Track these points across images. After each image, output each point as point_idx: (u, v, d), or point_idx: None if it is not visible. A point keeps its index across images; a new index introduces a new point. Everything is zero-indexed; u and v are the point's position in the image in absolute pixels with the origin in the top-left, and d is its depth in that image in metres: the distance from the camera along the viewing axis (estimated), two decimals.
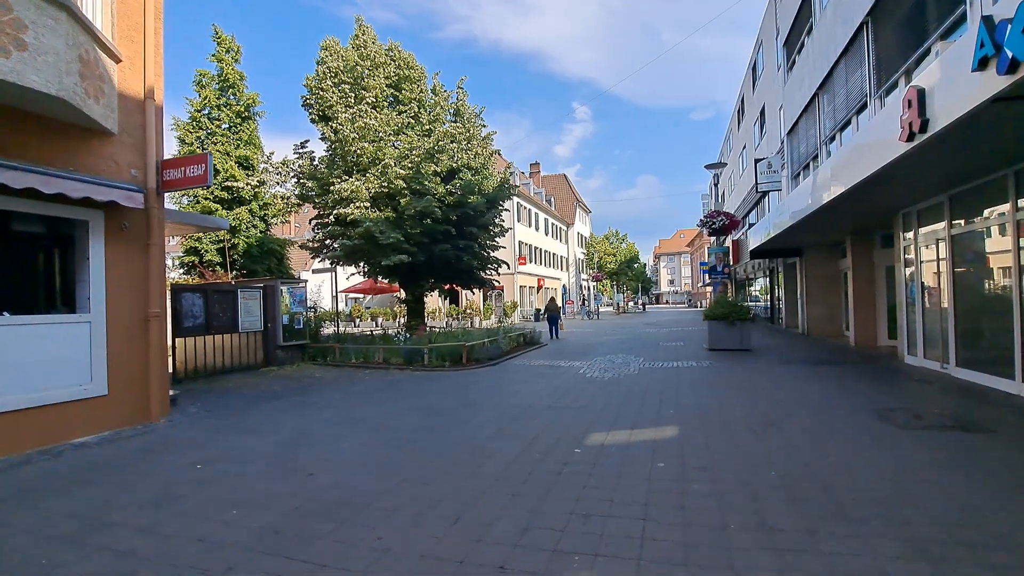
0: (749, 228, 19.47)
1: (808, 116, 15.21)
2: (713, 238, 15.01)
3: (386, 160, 13.32)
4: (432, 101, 16.61)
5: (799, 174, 16.82)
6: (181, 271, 23.45)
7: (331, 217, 14.17)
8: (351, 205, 13.35)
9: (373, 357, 12.37)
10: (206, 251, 21.63)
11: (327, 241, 14.74)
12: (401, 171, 13.52)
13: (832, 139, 13.41)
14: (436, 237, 15.08)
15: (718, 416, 6.17)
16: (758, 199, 20.81)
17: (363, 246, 13.46)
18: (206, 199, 22.02)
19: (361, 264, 14.81)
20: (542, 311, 31.56)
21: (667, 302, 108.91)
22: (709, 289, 67.58)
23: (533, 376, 10.34)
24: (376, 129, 13.83)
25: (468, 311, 31.23)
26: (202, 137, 23.43)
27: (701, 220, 14.42)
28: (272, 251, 23.77)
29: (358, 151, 13.59)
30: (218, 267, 22.47)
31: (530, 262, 39.39)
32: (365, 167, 13.97)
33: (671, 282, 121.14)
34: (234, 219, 21.37)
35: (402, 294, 33.74)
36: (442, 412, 7.00)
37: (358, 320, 34.28)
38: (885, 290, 13.60)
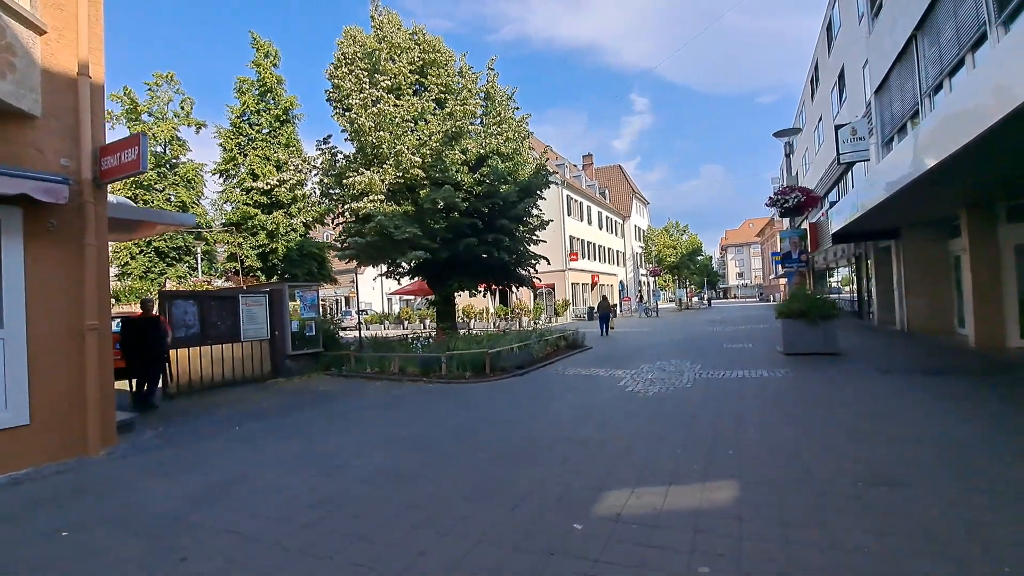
0: (830, 208, 16.65)
1: (903, 66, 12.45)
2: (786, 221, 12.62)
3: (399, 147, 12.05)
4: (459, 85, 15.21)
5: (892, 139, 13.97)
6: (224, 279, 23.69)
7: (347, 213, 13.13)
8: (365, 199, 12.21)
9: (388, 367, 11.14)
10: (247, 256, 21.55)
11: (348, 239, 13.72)
12: (417, 159, 12.21)
13: (938, 87, 10.73)
14: (462, 231, 13.68)
15: (799, 465, 4.26)
16: (840, 173, 17.83)
17: (377, 243, 12.29)
18: (245, 204, 21.97)
19: (382, 263, 13.64)
20: (595, 309, 29.86)
21: (735, 296, 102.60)
22: (783, 281, 62.43)
23: (561, 390, 8.66)
24: (392, 116, 12.61)
25: (516, 311, 29.79)
26: (242, 143, 23.50)
27: (770, 199, 12.09)
28: (312, 255, 23.45)
29: (376, 141, 12.44)
30: (259, 272, 22.38)
31: (582, 258, 37.37)
32: (384, 158, 12.80)
33: (740, 275, 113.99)
34: (272, 223, 21.10)
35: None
36: (425, 446, 5.51)
37: (406, 322, 33.77)
38: (1016, 276, 10.75)
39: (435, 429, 6.27)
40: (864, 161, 14.62)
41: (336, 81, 13.82)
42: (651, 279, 44.92)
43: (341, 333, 14.28)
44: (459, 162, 13.65)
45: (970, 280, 11.34)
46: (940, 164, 7.32)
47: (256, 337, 10.72)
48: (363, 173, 12.32)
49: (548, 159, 16.43)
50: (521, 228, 15.93)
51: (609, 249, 45.00)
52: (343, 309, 42.26)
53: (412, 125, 13.26)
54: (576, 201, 36.89)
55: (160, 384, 8.87)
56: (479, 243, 13.80)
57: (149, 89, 27.65)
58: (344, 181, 12.51)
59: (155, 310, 8.81)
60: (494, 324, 29.88)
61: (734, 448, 4.82)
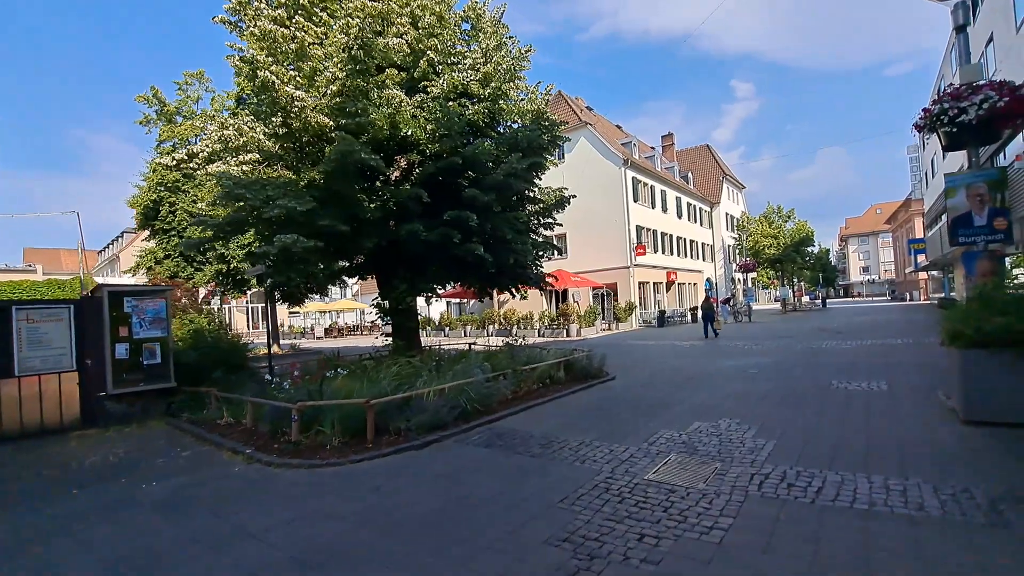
0: None
1: None
2: (962, 156, 6.64)
3: (265, 75, 7.86)
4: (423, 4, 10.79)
5: None
6: (211, 285, 21.40)
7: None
8: (232, 160, 8.24)
9: (243, 415, 7.02)
10: (233, 257, 18.90)
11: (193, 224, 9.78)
12: (301, 95, 7.98)
13: None
14: (407, 210, 9.35)
15: None
16: None
17: (237, 223, 8.27)
18: None
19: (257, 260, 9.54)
20: (699, 309, 24.84)
21: (858, 294, 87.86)
22: (923, 275, 51.04)
23: (409, 523, 3.90)
24: (288, 39, 8.51)
25: (564, 317, 24.71)
26: None
27: (925, 112, 6.29)
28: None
29: (269, 80, 8.42)
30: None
31: (655, 251, 31.26)
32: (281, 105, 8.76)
33: (864, 269, 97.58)
34: None
35: (499, 297, 28.69)
36: None
37: (447, 329, 30.02)
38: None
39: None
40: None
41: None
42: (744, 275, 37.26)
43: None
44: (400, 106, 9.27)
45: None
46: None
47: (49, 368, 7.12)
48: (230, 125, 8.37)
49: (549, 98, 11.39)
50: (516, 205, 11.17)
51: (691, 241, 38.08)
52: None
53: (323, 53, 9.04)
54: (644, 184, 30.86)
55: None
56: (432, 226, 9.31)
57: (179, 88, 26.70)
58: (207, 136, 8.68)
59: None
60: (539, 332, 25.12)
61: None
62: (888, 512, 3.52)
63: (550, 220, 13.25)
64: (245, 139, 8.35)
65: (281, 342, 22.75)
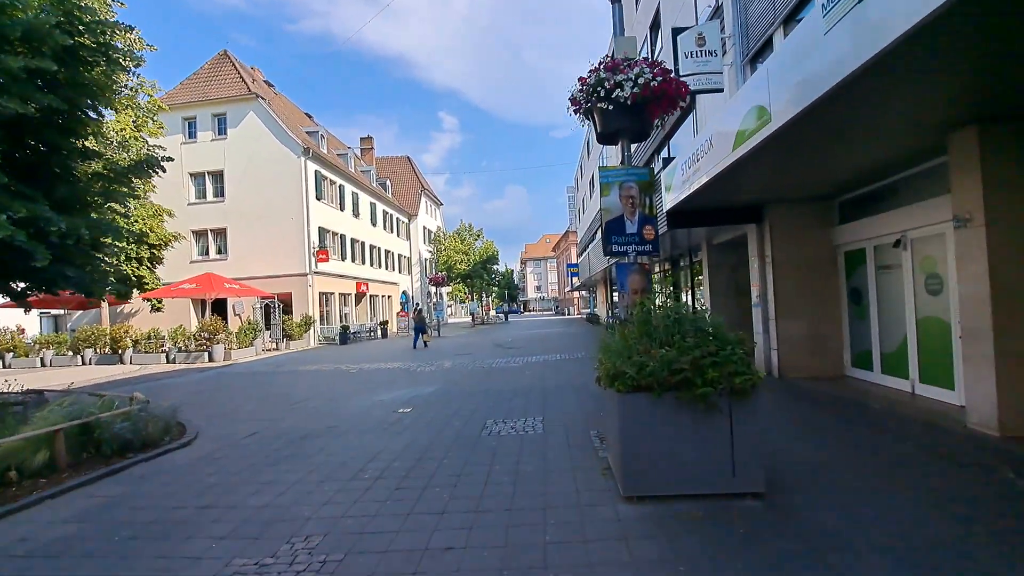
0: (661, 169, 10.78)
1: None
2: (615, 152, 5.54)
3: None
4: None
5: (762, 50, 8.32)
6: None
7: None
8: None
9: None
10: None
11: None
12: None
13: None
14: None
15: None
16: (676, 118, 12.19)
17: None
18: None
19: None
20: (412, 322, 22.59)
21: (533, 309, 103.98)
22: (577, 295, 62.03)
23: None
24: None
25: (206, 333, 18.80)
26: None
27: (582, 81, 4.98)
28: None
29: None
30: None
31: (342, 258, 27.95)
32: None
33: (538, 288, 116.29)
34: None
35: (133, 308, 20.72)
36: None
37: (9, 356, 19.78)
38: None
39: None
40: (715, 91, 8.75)
41: None
42: (437, 289, 37.57)
43: None
44: None
45: (972, 281, 5.68)
46: None
47: None
48: None
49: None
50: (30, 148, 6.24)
51: (387, 252, 36.32)
52: None
53: None
54: (332, 183, 27.34)
55: None
56: None
57: None
58: None
59: None
60: (169, 357, 18.54)
61: None
62: None
63: (125, 190, 8.51)
64: None
65: None
